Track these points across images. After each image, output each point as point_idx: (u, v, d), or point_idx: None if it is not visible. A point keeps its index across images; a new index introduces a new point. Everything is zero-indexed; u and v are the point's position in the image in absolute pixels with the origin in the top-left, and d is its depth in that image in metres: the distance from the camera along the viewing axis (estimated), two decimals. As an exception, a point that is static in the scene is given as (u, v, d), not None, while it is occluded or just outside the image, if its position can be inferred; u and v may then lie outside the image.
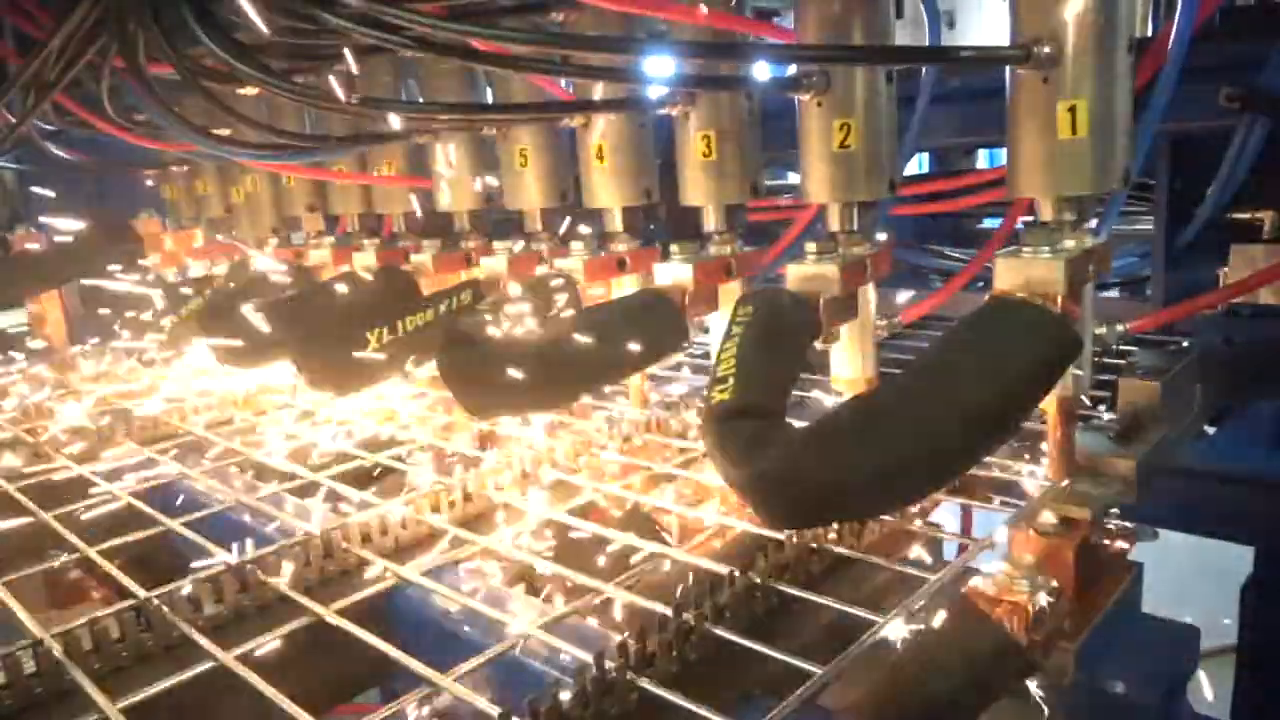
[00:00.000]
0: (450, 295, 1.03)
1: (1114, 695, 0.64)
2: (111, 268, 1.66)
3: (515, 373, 0.79)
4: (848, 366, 0.85)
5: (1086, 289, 0.71)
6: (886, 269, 0.84)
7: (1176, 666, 0.68)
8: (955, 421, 0.58)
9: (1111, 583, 0.72)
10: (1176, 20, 0.72)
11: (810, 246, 0.81)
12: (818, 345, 0.79)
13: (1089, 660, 0.64)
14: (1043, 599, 0.61)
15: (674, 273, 0.90)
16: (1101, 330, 0.76)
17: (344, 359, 1.00)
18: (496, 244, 1.13)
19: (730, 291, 0.93)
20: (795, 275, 0.80)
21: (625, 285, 1.02)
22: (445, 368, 0.87)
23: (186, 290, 1.42)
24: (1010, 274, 0.67)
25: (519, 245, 1.11)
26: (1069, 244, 0.68)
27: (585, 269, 0.98)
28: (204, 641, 0.65)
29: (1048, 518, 0.69)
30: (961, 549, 0.70)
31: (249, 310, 1.16)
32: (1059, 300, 0.66)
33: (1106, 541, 0.73)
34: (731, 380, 0.65)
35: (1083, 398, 0.75)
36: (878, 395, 0.64)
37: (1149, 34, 1.07)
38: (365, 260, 1.28)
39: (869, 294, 0.84)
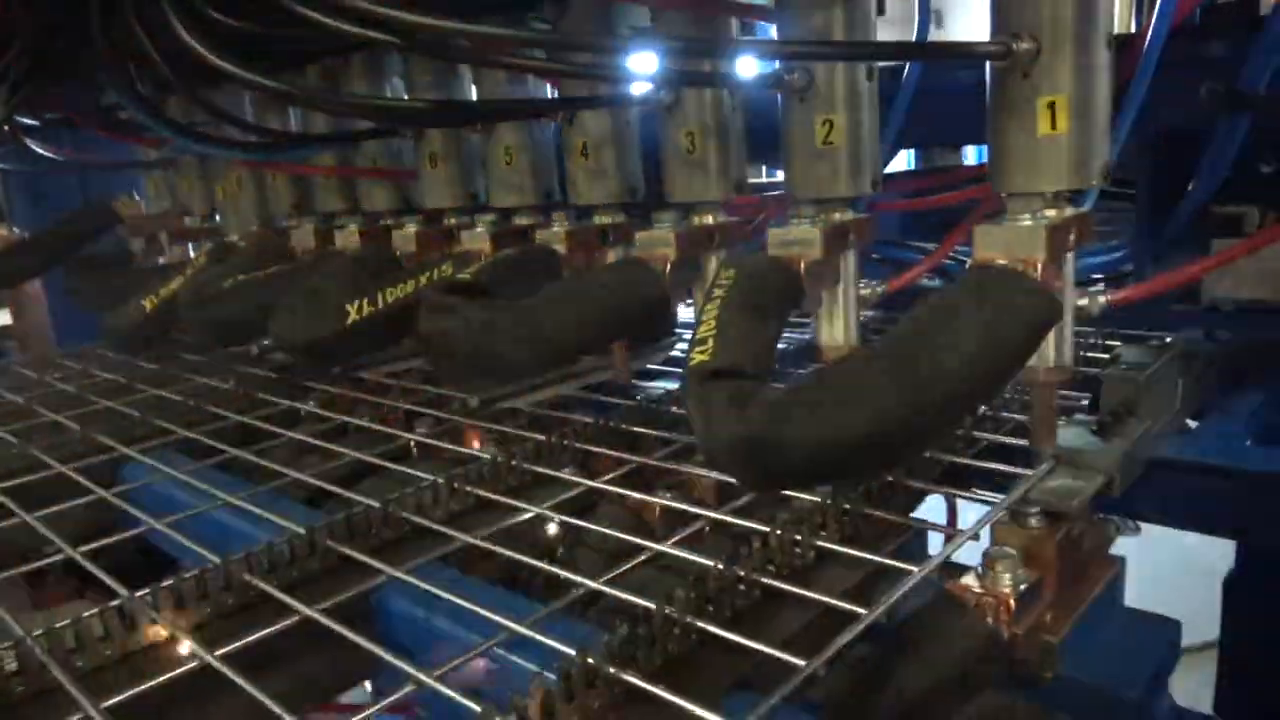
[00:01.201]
0: (431, 267, 1.03)
1: (1096, 689, 0.65)
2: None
3: (494, 339, 0.79)
4: (830, 333, 0.85)
5: (1068, 258, 0.72)
6: (868, 236, 0.84)
7: (1158, 661, 0.68)
8: (935, 386, 0.58)
9: (1094, 576, 0.72)
10: (1155, 16, 0.73)
11: (792, 211, 0.81)
12: (800, 309, 0.80)
13: (1071, 654, 0.64)
14: (1024, 592, 0.61)
15: (656, 240, 0.90)
16: (1084, 302, 0.76)
17: (324, 333, 1.00)
18: (479, 217, 1.13)
19: (713, 261, 0.94)
20: (776, 238, 0.80)
21: (608, 258, 1.02)
22: (425, 336, 0.87)
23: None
24: (990, 241, 0.68)
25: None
26: (1050, 212, 0.69)
27: (567, 240, 0.98)
28: (188, 641, 0.65)
29: (1030, 511, 0.69)
30: (946, 541, 0.70)
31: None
32: (1039, 267, 0.66)
33: (1088, 535, 0.73)
34: (711, 342, 0.65)
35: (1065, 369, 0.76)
36: (857, 358, 0.64)
37: (1131, 30, 1.07)
38: (347, 239, 1.28)
39: (851, 260, 0.84)
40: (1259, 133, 0.94)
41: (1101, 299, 0.76)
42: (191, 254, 1.69)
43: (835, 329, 0.85)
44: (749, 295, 0.71)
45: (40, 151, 1.60)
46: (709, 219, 0.94)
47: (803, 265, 0.78)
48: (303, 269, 1.24)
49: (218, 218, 1.65)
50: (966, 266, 0.68)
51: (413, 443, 1.05)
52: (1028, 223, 0.68)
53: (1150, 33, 0.73)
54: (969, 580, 0.62)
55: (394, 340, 1.11)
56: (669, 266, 0.89)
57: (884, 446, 0.60)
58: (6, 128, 1.35)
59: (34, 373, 1.53)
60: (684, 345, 1.27)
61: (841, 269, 0.83)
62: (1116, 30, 0.69)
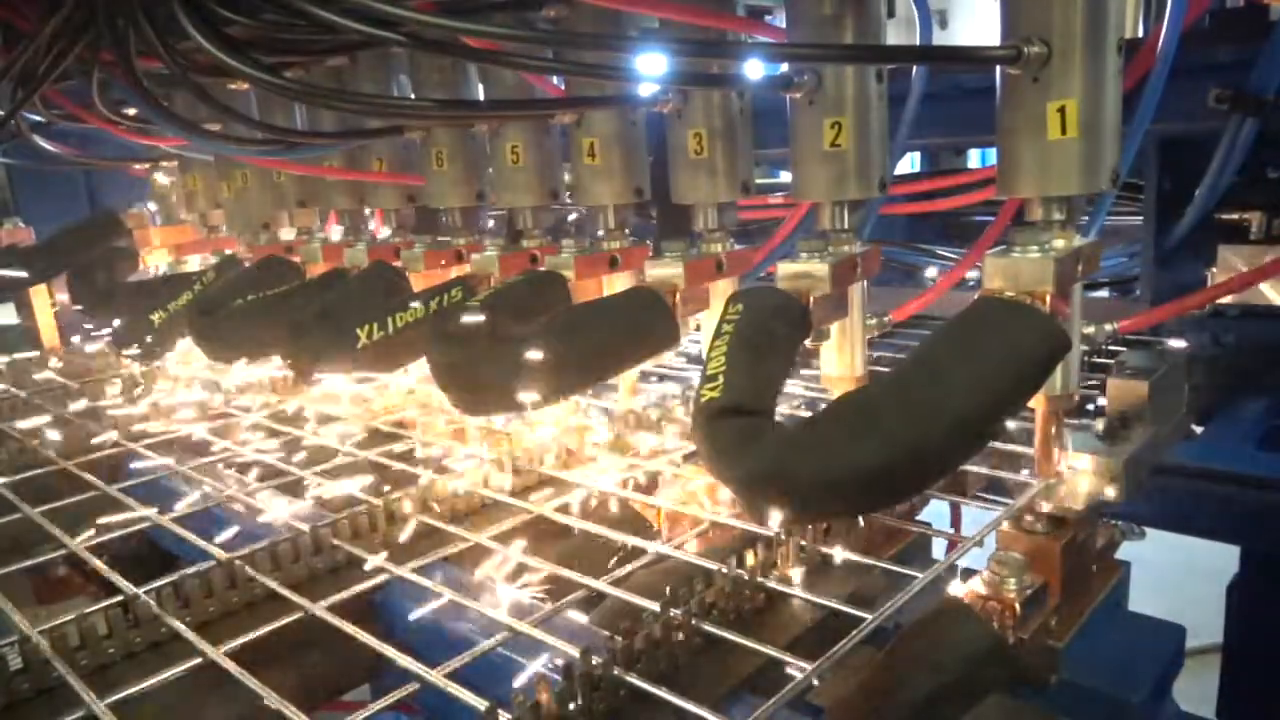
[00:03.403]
0: (440, 291, 1.03)
1: (1100, 693, 0.65)
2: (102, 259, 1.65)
3: (505, 369, 0.79)
4: (838, 365, 0.85)
5: (1075, 288, 0.72)
6: (876, 267, 0.84)
7: (1163, 665, 0.68)
8: (943, 420, 0.58)
9: (1098, 581, 0.72)
10: (1165, 21, 0.73)
11: (800, 245, 0.81)
12: (808, 344, 0.80)
13: (1075, 658, 0.64)
14: (1030, 597, 0.61)
15: (665, 270, 0.90)
16: (1090, 330, 0.76)
17: (334, 353, 1.00)
18: (488, 240, 1.13)
19: (721, 289, 0.93)
20: (785, 273, 0.80)
21: (617, 283, 1.02)
22: (436, 364, 0.87)
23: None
24: (999, 273, 0.68)
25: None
26: (1058, 244, 0.69)
27: (576, 266, 0.98)
28: (192, 637, 0.65)
29: (1036, 516, 0.69)
30: (950, 547, 0.70)
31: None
32: (1048, 299, 0.66)
33: (1093, 540, 0.73)
34: (721, 379, 0.66)
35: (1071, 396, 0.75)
36: (866, 394, 0.65)
37: (1139, 35, 1.07)
38: (356, 258, 1.28)
39: (859, 292, 0.84)
40: (1266, 138, 0.94)
41: (1109, 327, 0.76)
42: (196, 264, 1.69)
43: (842, 360, 0.85)
44: (757, 331, 0.71)
45: (47, 147, 1.60)
46: (717, 248, 0.94)
47: (811, 299, 0.78)
48: (312, 288, 1.24)
49: (224, 229, 1.64)
50: (976, 297, 0.67)
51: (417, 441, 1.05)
52: (1035, 254, 0.68)
53: (1162, 38, 0.73)
54: (975, 585, 0.62)
55: (403, 363, 1.11)
56: (678, 296, 0.89)
57: (892, 481, 0.60)
58: (14, 123, 1.35)
59: (38, 368, 1.53)
60: (687, 344, 1.27)
61: (850, 301, 0.83)
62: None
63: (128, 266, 1.66)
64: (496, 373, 0.82)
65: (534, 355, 0.80)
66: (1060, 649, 0.64)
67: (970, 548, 0.68)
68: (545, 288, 0.95)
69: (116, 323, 1.53)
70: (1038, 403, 0.74)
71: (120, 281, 1.62)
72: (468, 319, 0.85)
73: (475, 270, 1.08)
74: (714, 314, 0.92)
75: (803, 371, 1.11)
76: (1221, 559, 1.07)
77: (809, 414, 0.76)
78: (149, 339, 1.35)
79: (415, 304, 1.01)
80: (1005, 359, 0.61)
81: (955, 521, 1.01)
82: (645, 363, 0.95)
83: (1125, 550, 0.77)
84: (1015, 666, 0.61)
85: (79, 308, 1.65)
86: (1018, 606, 0.60)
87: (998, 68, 0.68)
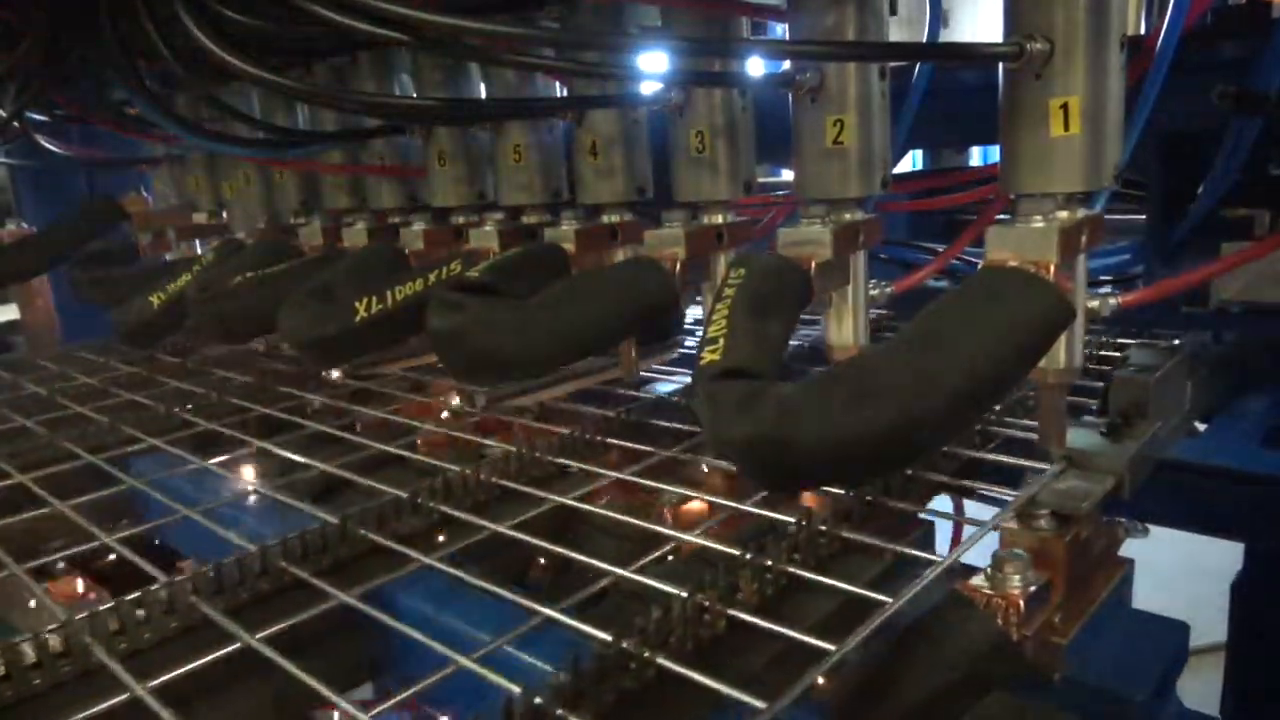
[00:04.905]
0: (440, 265, 1.03)
1: (1103, 691, 0.65)
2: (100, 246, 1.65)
3: (503, 338, 0.79)
4: (839, 333, 0.86)
5: (1079, 260, 0.72)
6: (877, 237, 0.84)
7: (1166, 663, 0.68)
8: (945, 385, 0.58)
9: (1102, 578, 0.72)
10: (1167, 18, 0.73)
11: (802, 211, 0.82)
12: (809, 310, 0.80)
13: (1079, 655, 0.64)
14: (1033, 594, 0.61)
15: (665, 239, 0.90)
16: (1094, 303, 0.76)
17: (333, 330, 1.00)
18: (487, 215, 1.13)
19: (722, 260, 0.94)
20: (786, 238, 0.80)
21: (617, 257, 1.02)
22: (433, 332, 0.87)
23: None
24: (1003, 242, 0.68)
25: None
26: (1062, 214, 0.69)
27: (576, 239, 0.98)
28: (227, 623, 0.66)
29: (1040, 513, 0.69)
30: (954, 542, 0.70)
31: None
32: (1052, 269, 0.66)
33: (1097, 537, 0.73)
34: (722, 341, 0.65)
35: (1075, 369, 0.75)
36: (867, 358, 0.65)
37: (1142, 32, 1.07)
38: (356, 237, 1.28)
39: (860, 261, 0.84)
40: (1270, 135, 0.94)
41: (1112, 300, 0.76)
42: (199, 250, 1.69)
43: (844, 329, 0.85)
44: (759, 295, 0.71)
45: (49, 147, 1.60)
46: (718, 218, 0.94)
47: (813, 265, 0.78)
48: (311, 265, 1.24)
49: (224, 215, 1.65)
50: (979, 267, 0.68)
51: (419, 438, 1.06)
52: (1040, 224, 0.68)
53: (1162, 34, 0.73)
54: (978, 581, 0.62)
55: (403, 338, 1.11)
56: (678, 265, 0.89)
57: (893, 446, 0.59)
58: (16, 123, 1.36)
59: (37, 367, 1.53)
60: (691, 344, 1.27)
61: (851, 269, 0.83)
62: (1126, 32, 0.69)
63: (127, 254, 1.66)
64: (494, 341, 0.82)
65: (529, 322, 0.80)
66: (1063, 646, 0.63)
67: (974, 543, 0.68)
68: (545, 260, 0.95)
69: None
70: (1040, 377, 0.74)
71: (121, 269, 1.62)
72: (465, 287, 0.85)
73: (474, 246, 1.08)
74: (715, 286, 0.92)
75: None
76: (1226, 556, 1.07)
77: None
78: (149, 324, 1.35)
79: (414, 277, 1.01)
80: (1007, 326, 0.61)
81: (959, 516, 1.00)
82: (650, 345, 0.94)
83: (1129, 547, 0.77)
84: (1019, 663, 0.61)
85: (81, 298, 1.65)
86: (1021, 603, 0.60)
87: (1000, 65, 0.68)
